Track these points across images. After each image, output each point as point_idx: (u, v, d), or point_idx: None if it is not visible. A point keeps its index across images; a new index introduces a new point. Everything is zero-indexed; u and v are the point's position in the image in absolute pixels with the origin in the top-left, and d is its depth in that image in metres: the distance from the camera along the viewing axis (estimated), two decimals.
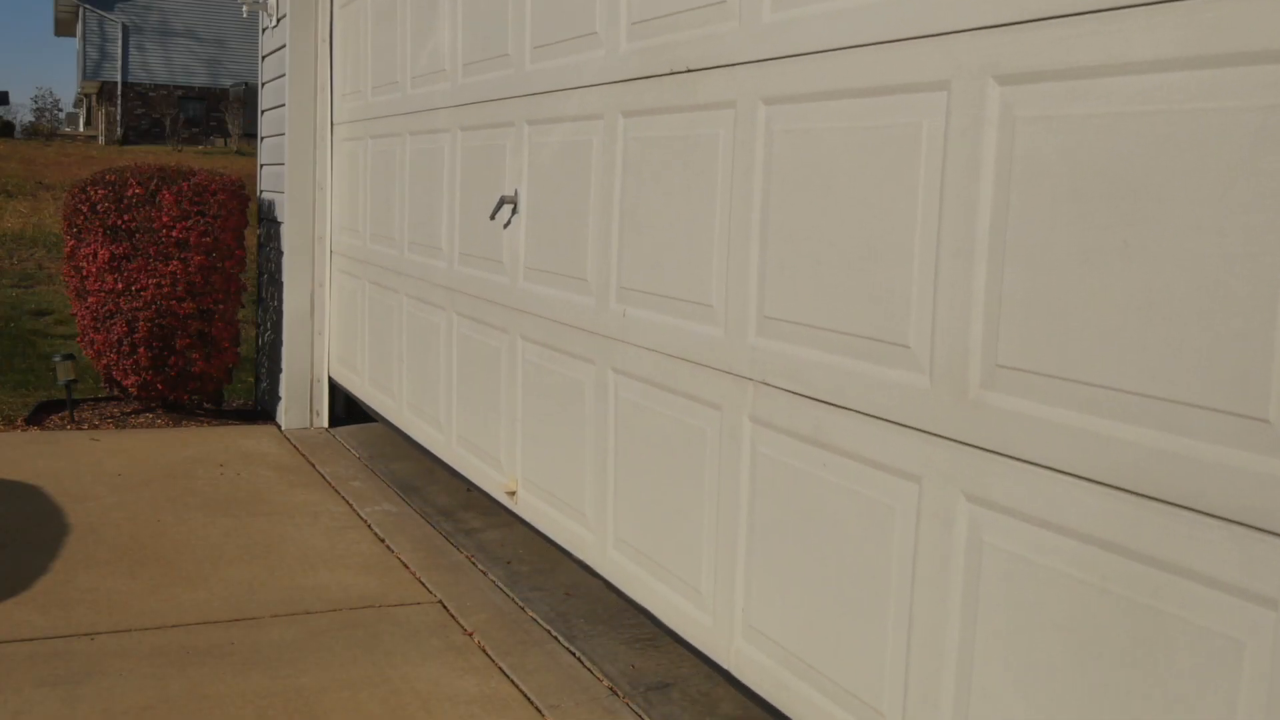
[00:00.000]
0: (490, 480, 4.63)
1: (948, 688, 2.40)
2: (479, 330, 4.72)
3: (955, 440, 2.35)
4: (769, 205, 2.91)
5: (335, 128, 6.70)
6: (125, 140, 37.97)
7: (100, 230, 6.59)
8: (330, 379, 6.91)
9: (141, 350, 6.62)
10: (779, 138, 2.87)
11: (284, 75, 6.85)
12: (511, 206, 4.34)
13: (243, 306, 7.15)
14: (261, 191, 7.65)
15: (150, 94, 39.77)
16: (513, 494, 4.38)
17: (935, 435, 2.40)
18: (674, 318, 3.34)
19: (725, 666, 3.16)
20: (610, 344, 3.69)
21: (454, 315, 4.98)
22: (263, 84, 7.60)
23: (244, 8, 7.33)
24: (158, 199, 6.56)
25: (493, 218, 4.47)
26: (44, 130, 41.67)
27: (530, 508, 4.30)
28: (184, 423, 6.96)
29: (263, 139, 7.66)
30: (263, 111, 7.64)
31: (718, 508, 3.16)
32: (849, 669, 2.68)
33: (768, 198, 2.92)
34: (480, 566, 4.58)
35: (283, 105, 6.90)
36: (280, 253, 7.02)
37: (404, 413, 5.67)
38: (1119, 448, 2.00)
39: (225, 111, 37.56)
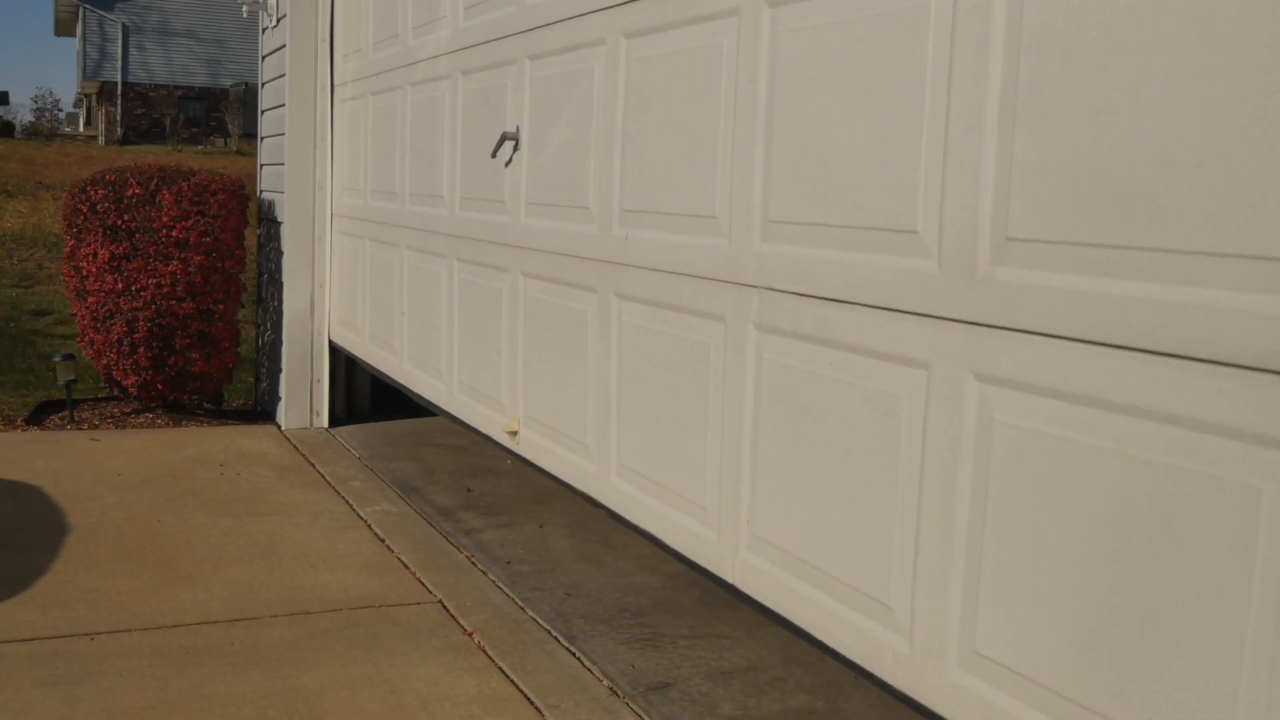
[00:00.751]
0: (492, 423, 4.66)
1: (956, 575, 2.41)
2: (480, 274, 4.77)
3: (964, 321, 2.38)
4: (774, 109, 2.95)
5: (335, 89, 6.71)
6: (125, 140, 37.97)
7: (100, 230, 6.59)
8: (331, 342, 6.91)
9: (141, 350, 6.62)
10: (784, 38, 2.91)
11: (284, 75, 6.85)
12: (514, 143, 4.39)
13: (243, 306, 7.15)
14: (261, 191, 7.65)
15: (150, 94, 39.76)
16: (514, 433, 4.41)
17: (944, 319, 2.43)
18: (677, 234, 3.38)
19: (730, 580, 3.17)
20: (613, 269, 3.73)
21: (455, 262, 5.03)
22: (263, 84, 7.61)
23: (244, 8, 7.33)
24: (158, 199, 6.56)
25: (494, 155, 4.51)
26: (44, 130, 41.67)
27: (532, 445, 4.33)
28: (184, 423, 6.96)
29: (263, 139, 7.67)
30: (263, 111, 7.64)
31: (722, 421, 3.18)
32: (856, 566, 2.70)
33: (772, 102, 2.95)
34: (480, 566, 4.58)
35: (283, 105, 6.90)
36: (280, 253, 7.02)
37: (405, 366, 5.70)
38: (1130, 306, 2.01)
39: (225, 111, 37.56)
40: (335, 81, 6.70)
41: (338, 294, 6.78)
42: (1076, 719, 2.15)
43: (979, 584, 2.36)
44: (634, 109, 3.61)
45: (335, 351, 6.95)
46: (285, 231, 6.92)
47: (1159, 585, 1.99)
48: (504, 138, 4.39)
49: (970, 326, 2.36)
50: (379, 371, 6.14)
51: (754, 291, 3.04)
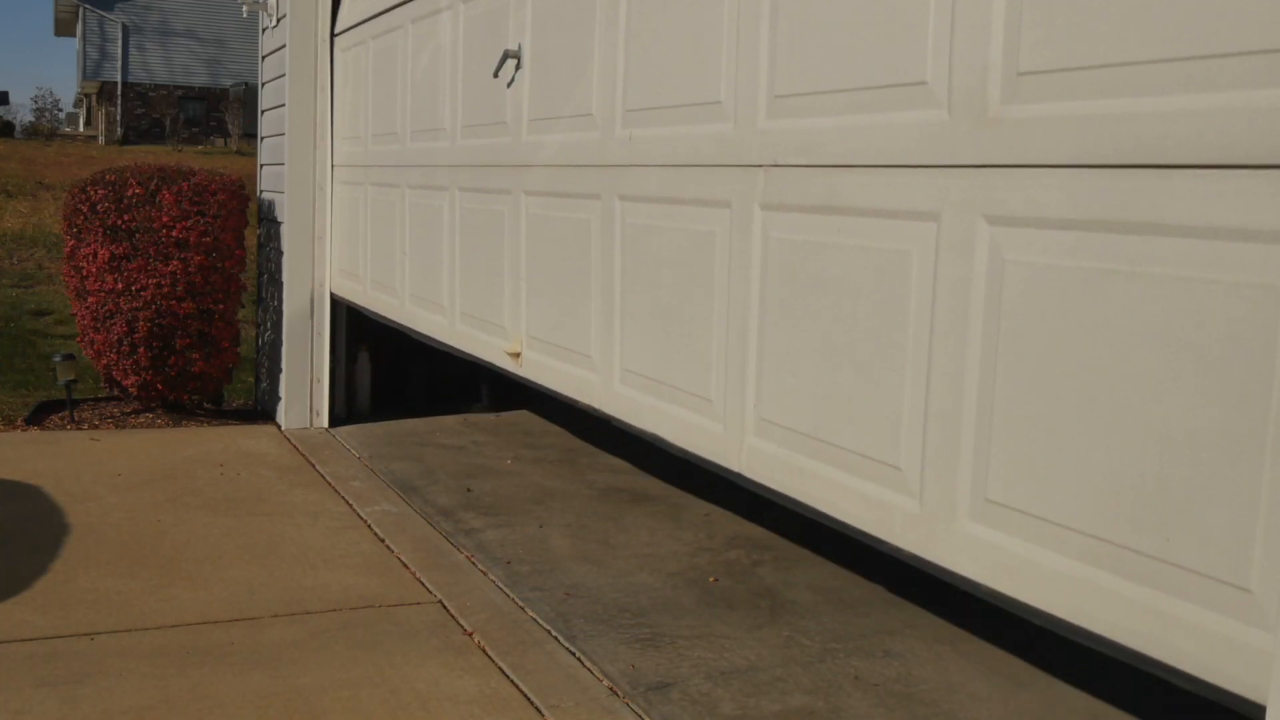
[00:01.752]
0: (494, 350, 4.70)
1: (968, 425, 2.42)
2: (482, 200, 4.82)
3: (974, 166, 2.40)
4: None
5: (336, 39, 6.75)
6: (125, 140, 37.97)
7: (100, 230, 6.59)
8: (331, 295, 6.91)
9: (141, 350, 6.62)
10: None
11: (284, 75, 6.85)
12: (515, 61, 4.46)
13: (243, 306, 7.15)
14: (261, 191, 7.65)
15: (150, 94, 39.76)
16: (516, 355, 4.45)
17: (953, 167, 2.45)
18: (682, 126, 3.43)
19: (736, 469, 3.20)
20: (616, 173, 3.78)
21: (456, 193, 5.08)
22: (263, 84, 7.61)
23: (244, 8, 7.33)
24: (158, 199, 6.56)
25: (496, 75, 4.57)
26: (44, 130, 41.66)
27: (534, 365, 4.37)
28: (184, 423, 6.96)
29: (263, 139, 7.67)
30: (263, 111, 7.64)
31: (728, 309, 3.21)
32: (865, 433, 2.71)
33: None
34: (480, 566, 4.58)
35: (283, 105, 6.90)
36: (280, 253, 7.02)
37: (406, 306, 5.74)
38: (1143, 122, 2.02)
39: (225, 111, 37.55)
40: (335, 32, 6.74)
41: (339, 248, 6.80)
42: (1091, 552, 2.15)
43: (991, 430, 2.37)
44: (637, 4, 3.67)
45: (336, 305, 6.95)
46: (285, 231, 6.92)
47: (1176, 407, 1.98)
48: (505, 56, 4.47)
49: (979, 170, 2.39)
50: (380, 315, 6.18)
51: (759, 171, 3.08)
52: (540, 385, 4.36)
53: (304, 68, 6.76)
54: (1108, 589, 2.11)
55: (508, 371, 4.60)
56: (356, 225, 6.46)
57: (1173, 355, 1.98)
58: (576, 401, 4.08)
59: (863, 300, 2.72)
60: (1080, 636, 2.19)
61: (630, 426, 3.75)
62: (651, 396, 3.62)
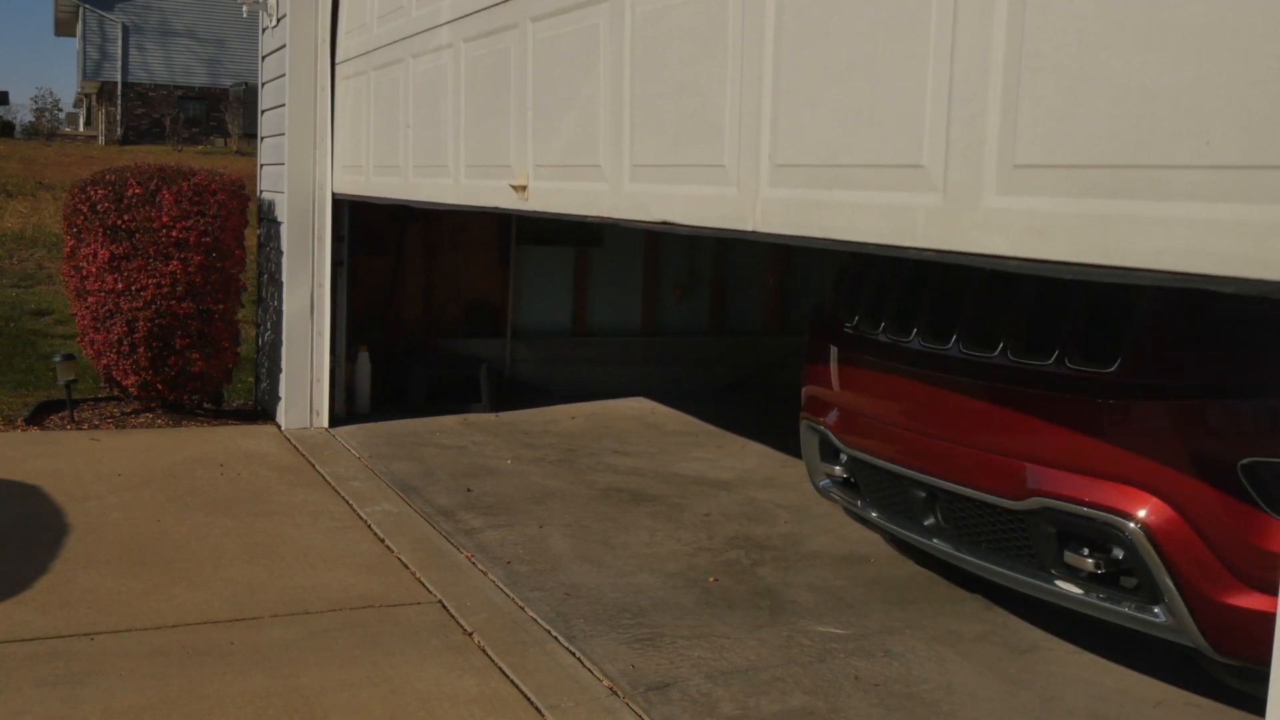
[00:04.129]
0: (500, 193, 4.72)
1: (994, 99, 2.39)
2: (487, 44, 4.86)
3: None
4: None
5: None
6: (125, 140, 37.96)
7: (100, 230, 6.59)
8: (333, 196, 6.90)
9: (141, 350, 6.62)
10: None
11: (284, 75, 6.85)
12: None
13: (243, 306, 7.14)
14: (261, 191, 7.65)
15: (150, 94, 39.74)
16: (523, 188, 4.47)
17: None
18: None
19: (750, 228, 3.20)
20: None
21: (460, 45, 5.12)
22: (263, 84, 7.61)
23: (244, 8, 7.33)
24: (158, 199, 6.56)
25: None
26: (44, 130, 41.62)
27: (540, 195, 4.40)
28: (184, 423, 6.96)
29: (263, 139, 7.67)
30: (263, 111, 7.64)
31: (741, 61, 3.18)
32: (885, 141, 2.70)
33: None
34: (480, 566, 4.58)
35: (283, 105, 6.91)
36: (280, 253, 7.02)
37: (410, 179, 5.78)
38: None
39: (225, 111, 37.54)
40: None
41: (343, 147, 6.78)
42: (1126, 183, 2.11)
43: (1019, 91, 2.33)
44: None
45: (338, 206, 6.96)
46: (285, 231, 6.92)
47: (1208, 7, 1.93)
48: None
49: None
50: (382, 198, 6.23)
51: None
52: (547, 212, 4.38)
53: (304, 68, 6.75)
54: (1143, 216, 2.09)
55: (515, 209, 4.61)
56: (360, 120, 6.50)
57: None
58: (585, 217, 4.11)
59: (883, 3, 2.70)
60: (1117, 276, 2.14)
61: (639, 223, 3.78)
62: (662, 185, 3.65)
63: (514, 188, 4.51)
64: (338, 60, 6.83)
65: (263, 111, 7.64)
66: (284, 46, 6.84)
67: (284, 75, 6.84)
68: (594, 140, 4.01)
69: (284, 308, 6.95)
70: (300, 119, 6.79)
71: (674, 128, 3.56)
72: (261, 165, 7.68)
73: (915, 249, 2.63)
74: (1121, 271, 2.14)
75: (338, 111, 6.82)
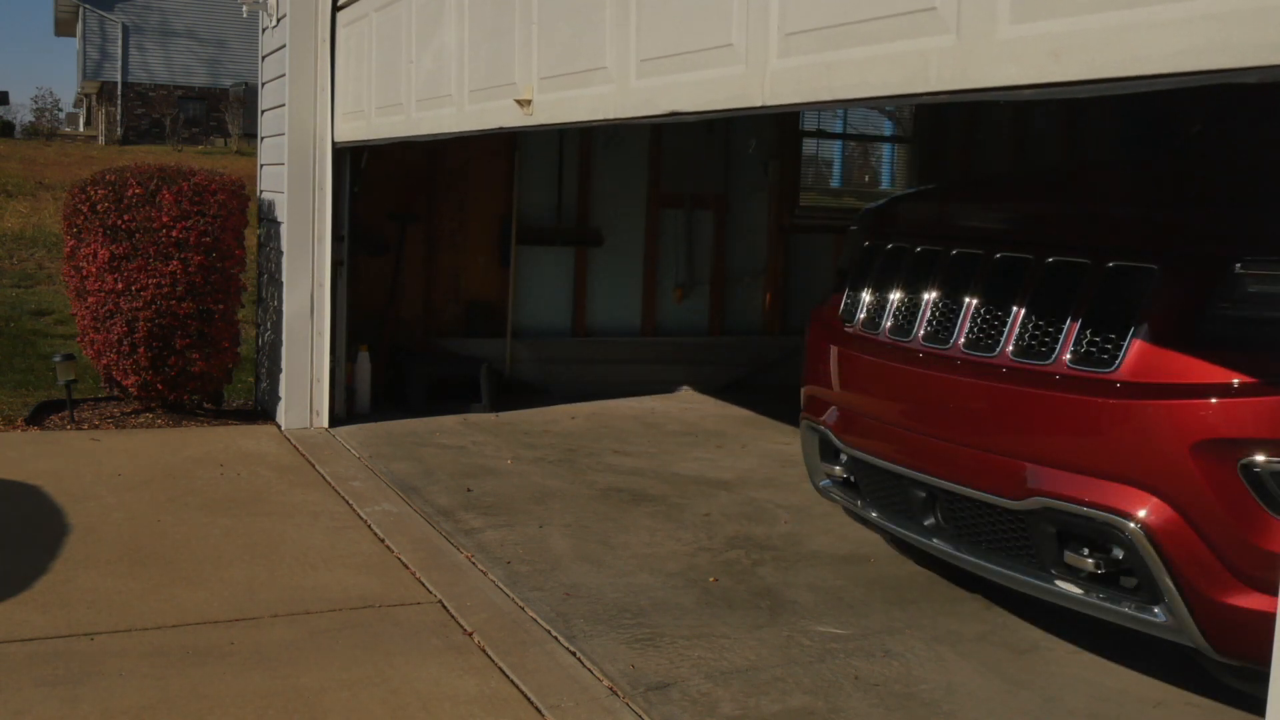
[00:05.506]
0: (504, 112, 4.73)
1: None
2: None
3: None
4: None
5: None
6: (125, 140, 37.96)
7: (100, 230, 6.59)
8: (335, 145, 6.89)
9: (141, 350, 6.62)
10: None
11: (284, 75, 6.85)
12: None
13: (243, 306, 7.15)
14: (261, 191, 7.65)
15: (150, 94, 39.74)
16: (527, 103, 4.48)
17: None
18: None
19: (759, 103, 3.20)
20: None
21: None
22: (263, 84, 7.61)
23: (244, 8, 7.34)
24: (158, 199, 6.56)
25: None
26: (44, 130, 41.62)
27: (546, 107, 4.40)
28: (184, 423, 6.96)
29: (263, 139, 7.67)
30: (263, 111, 7.64)
31: None
32: None
33: None
34: (480, 566, 4.58)
35: (283, 105, 6.91)
36: (280, 253, 7.02)
37: (413, 113, 5.79)
38: None
39: (225, 111, 37.54)
40: None
41: (345, 93, 6.78)
42: None
43: None
44: None
45: (339, 156, 6.95)
46: (285, 231, 6.92)
47: None
48: None
49: None
50: (384, 139, 6.24)
51: None
52: (552, 124, 4.39)
53: (304, 68, 6.76)
54: (1163, 20, 2.08)
55: (519, 126, 4.61)
56: (362, 64, 6.49)
57: None
58: (591, 121, 4.12)
59: None
60: (1137, 86, 2.13)
61: (647, 118, 3.78)
62: (669, 75, 3.65)
63: (518, 102, 4.52)
64: (339, 5, 6.82)
65: (263, 111, 7.64)
66: (284, 46, 6.84)
67: (284, 75, 6.84)
68: (599, 42, 4.02)
69: (284, 308, 6.95)
70: (300, 119, 6.79)
71: (681, 15, 3.57)
72: (261, 165, 7.68)
73: (928, 93, 2.63)
74: (1141, 81, 2.15)
75: (339, 59, 6.80)
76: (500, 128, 4.84)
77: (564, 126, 4.40)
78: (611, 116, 3.97)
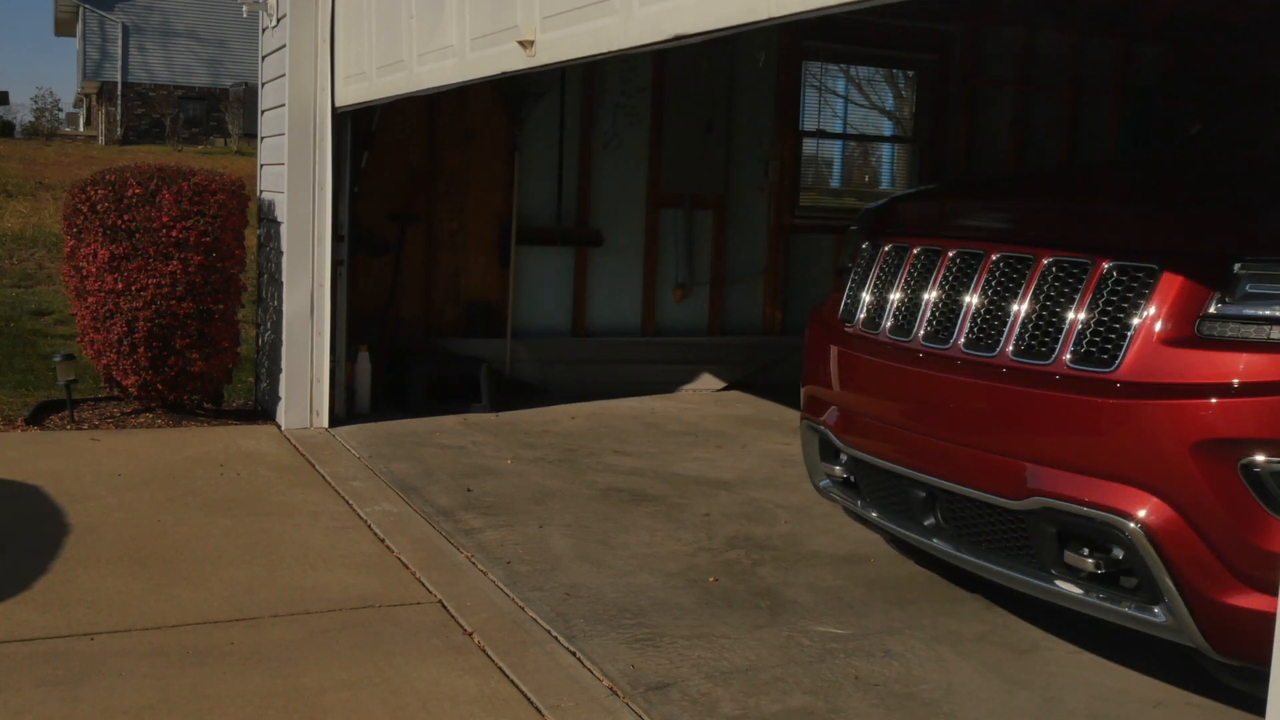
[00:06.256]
0: (506, 56, 4.73)
1: None
2: None
3: None
4: None
5: None
6: (125, 140, 37.95)
7: (100, 230, 6.59)
8: (336, 109, 6.86)
9: (141, 350, 6.62)
10: None
11: (284, 75, 6.85)
12: None
13: (243, 306, 7.15)
14: (261, 191, 7.65)
15: (150, 94, 39.74)
16: (530, 44, 4.47)
17: None
18: None
19: (765, 15, 3.18)
20: None
21: None
22: (263, 84, 7.61)
23: (244, 8, 7.33)
24: (158, 199, 6.56)
25: None
26: (44, 130, 41.62)
27: (549, 46, 4.40)
28: (184, 423, 6.96)
29: (263, 139, 7.67)
30: (263, 111, 7.64)
31: None
32: None
33: None
34: (480, 566, 4.58)
35: (283, 105, 6.91)
36: (280, 253, 7.02)
37: (414, 68, 5.78)
38: None
39: (225, 111, 37.54)
40: None
41: (346, 55, 6.75)
42: None
43: None
44: None
45: (340, 120, 6.91)
46: (285, 231, 6.92)
47: None
48: None
49: None
50: (386, 98, 6.24)
51: None
52: (555, 62, 4.40)
53: (304, 67, 6.76)
54: None
55: (522, 69, 4.61)
56: (362, 23, 6.48)
57: None
58: (595, 55, 4.12)
59: None
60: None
61: (651, 45, 3.77)
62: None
63: (521, 44, 4.51)
64: None
65: (263, 111, 7.64)
66: (284, 46, 6.84)
67: (284, 75, 6.84)
68: None
69: (284, 308, 6.95)
70: (300, 119, 6.79)
71: None
72: (261, 165, 7.68)
73: None
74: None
75: (339, 23, 6.77)
76: (503, 72, 4.84)
77: (567, 64, 4.38)
78: (616, 48, 3.97)
